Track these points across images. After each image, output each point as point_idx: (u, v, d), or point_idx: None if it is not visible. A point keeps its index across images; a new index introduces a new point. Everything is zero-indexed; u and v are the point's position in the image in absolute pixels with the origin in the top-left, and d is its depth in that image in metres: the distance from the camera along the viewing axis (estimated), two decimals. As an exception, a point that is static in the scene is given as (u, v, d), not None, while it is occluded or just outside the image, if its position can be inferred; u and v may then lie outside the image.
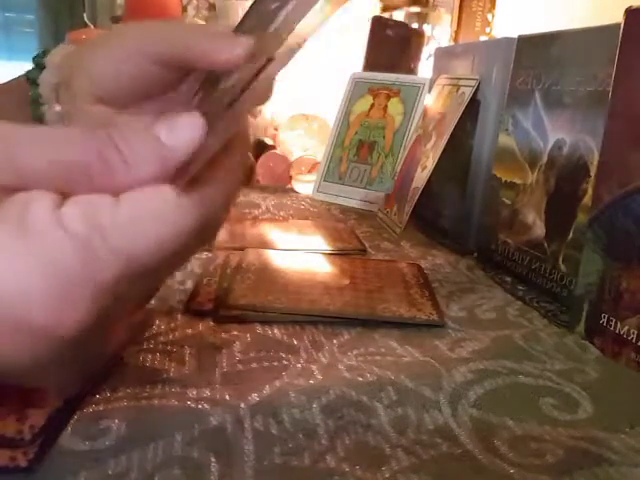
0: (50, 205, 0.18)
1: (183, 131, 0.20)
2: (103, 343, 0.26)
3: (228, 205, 0.23)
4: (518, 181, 0.52)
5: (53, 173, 0.19)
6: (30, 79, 0.35)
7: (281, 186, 0.86)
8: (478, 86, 0.59)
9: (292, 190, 0.85)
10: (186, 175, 0.20)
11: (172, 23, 0.33)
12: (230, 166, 0.22)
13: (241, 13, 0.31)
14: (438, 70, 0.73)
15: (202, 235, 0.22)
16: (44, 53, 0.36)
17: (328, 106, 0.94)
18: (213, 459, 0.25)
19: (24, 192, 0.19)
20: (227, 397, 0.29)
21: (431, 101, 0.70)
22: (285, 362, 0.34)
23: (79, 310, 0.19)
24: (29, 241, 0.18)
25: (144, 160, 0.20)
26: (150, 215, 0.19)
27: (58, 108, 0.35)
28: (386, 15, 1.10)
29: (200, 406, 0.28)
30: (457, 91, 0.63)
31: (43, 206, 0.18)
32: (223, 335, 0.36)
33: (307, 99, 1.07)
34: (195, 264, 0.49)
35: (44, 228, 0.18)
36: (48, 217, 0.18)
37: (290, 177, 0.88)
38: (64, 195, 0.19)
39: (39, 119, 0.36)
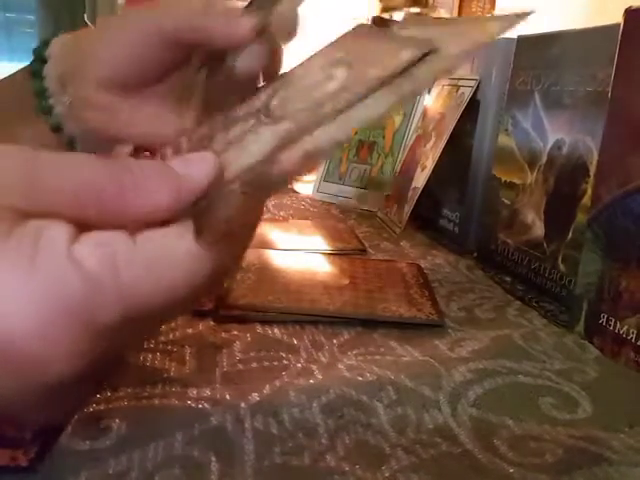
0: (65, 237, 0.18)
1: (196, 164, 0.20)
2: (99, 384, 0.25)
3: (238, 261, 0.23)
4: (518, 181, 0.52)
5: (67, 196, 0.19)
6: (34, 72, 0.35)
7: (281, 186, 0.86)
8: (478, 86, 0.59)
9: (292, 190, 0.85)
10: (219, 231, 0.19)
11: (179, 5, 0.33)
12: (246, 225, 0.22)
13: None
14: (438, 70, 0.73)
15: (208, 287, 0.21)
16: (44, 45, 0.36)
17: (328, 106, 0.94)
18: (213, 458, 0.25)
19: (39, 220, 0.18)
20: (227, 397, 0.29)
21: (431, 101, 0.70)
22: (285, 362, 0.34)
23: (74, 350, 0.18)
24: (37, 270, 0.17)
25: (156, 186, 0.20)
26: (167, 260, 0.19)
27: (66, 99, 0.35)
28: (386, 16, 1.10)
29: (200, 406, 0.28)
30: (457, 91, 0.63)
31: (58, 237, 0.18)
32: (223, 335, 0.36)
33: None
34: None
35: (54, 259, 0.17)
36: (61, 249, 0.18)
37: (290, 177, 0.88)
38: (79, 228, 0.19)
39: (46, 111, 0.36)
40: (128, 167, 0.20)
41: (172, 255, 0.19)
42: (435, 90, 0.70)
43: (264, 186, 0.20)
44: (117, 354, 0.22)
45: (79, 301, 0.17)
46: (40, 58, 0.35)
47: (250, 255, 0.50)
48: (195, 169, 0.20)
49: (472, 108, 0.59)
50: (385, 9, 1.15)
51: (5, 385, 0.18)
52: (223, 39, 0.30)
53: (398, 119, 0.78)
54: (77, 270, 0.17)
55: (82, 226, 0.19)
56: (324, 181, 0.82)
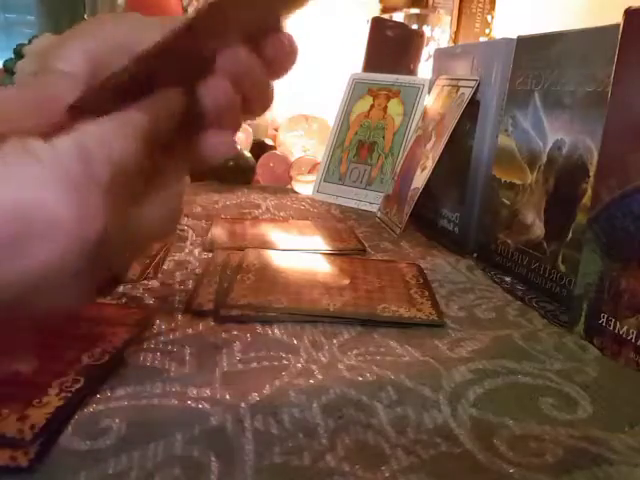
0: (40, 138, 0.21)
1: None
2: (111, 263, 0.27)
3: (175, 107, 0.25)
4: (517, 181, 0.52)
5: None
6: (7, 67, 0.36)
7: (281, 186, 0.86)
8: (477, 87, 0.59)
9: (292, 190, 0.85)
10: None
11: (144, 25, 0.34)
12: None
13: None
14: (438, 71, 0.73)
15: (161, 139, 0.25)
16: (28, 43, 0.37)
17: (328, 106, 0.94)
18: (213, 458, 0.25)
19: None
20: (227, 397, 0.29)
21: (431, 102, 0.70)
22: (285, 362, 0.34)
23: (96, 209, 0.21)
24: (39, 159, 0.20)
25: None
26: (115, 128, 0.23)
27: None
28: (386, 16, 1.10)
29: (200, 406, 0.28)
30: (457, 92, 0.63)
31: (36, 139, 0.21)
32: (223, 335, 0.36)
33: (307, 99, 1.07)
34: (195, 264, 0.49)
35: (45, 147, 0.21)
36: (44, 143, 0.21)
37: (290, 177, 0.88)
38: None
39: None
40: None
41: (119, 122, 0.23)
42: (435, 90, 0.70)
43: None
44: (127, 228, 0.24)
45: (78, 170, 0.21)
46: (17, 54, 0.36)
47: (250, 255, 0.50)
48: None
49: (472, 108, 0.59)
50: (385, 10, 1.15)
51: (49, 256, 0.21)
52: None
53: (398, 119, 0.78)
54: (68, 144, 0.21)
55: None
56: (324, 181, 0.82)
